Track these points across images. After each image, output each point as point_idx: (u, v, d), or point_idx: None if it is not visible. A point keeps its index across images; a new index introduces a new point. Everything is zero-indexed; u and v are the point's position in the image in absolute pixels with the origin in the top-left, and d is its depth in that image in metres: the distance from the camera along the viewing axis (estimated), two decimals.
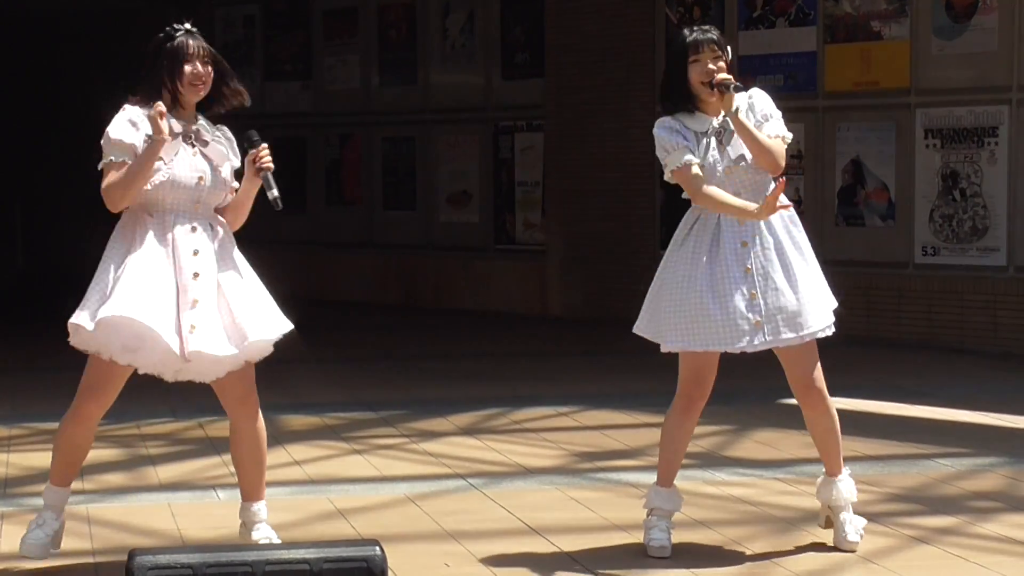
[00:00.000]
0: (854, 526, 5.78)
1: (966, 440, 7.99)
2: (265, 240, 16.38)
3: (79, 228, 15.38)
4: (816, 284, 5.72)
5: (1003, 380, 10.13)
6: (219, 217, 5.51)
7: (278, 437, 8.22)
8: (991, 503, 6.54)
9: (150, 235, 5.35)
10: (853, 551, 5.72)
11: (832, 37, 12.18)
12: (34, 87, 19.77)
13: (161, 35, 5.44)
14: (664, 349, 5.74)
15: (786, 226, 5.71)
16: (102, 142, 5.35)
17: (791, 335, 5.63)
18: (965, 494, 6.73)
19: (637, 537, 5.91)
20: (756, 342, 5.63)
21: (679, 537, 5.88)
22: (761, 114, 5.67)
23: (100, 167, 5.33)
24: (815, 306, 5.67)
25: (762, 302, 5.62)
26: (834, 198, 12.25)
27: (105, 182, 5.31)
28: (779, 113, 5.74)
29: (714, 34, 5.69)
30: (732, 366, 11.36)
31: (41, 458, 7.27)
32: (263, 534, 5.57)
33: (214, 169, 5.45)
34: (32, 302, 16.41)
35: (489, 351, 12.11)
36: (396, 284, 15.55)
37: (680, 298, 5.65)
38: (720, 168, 5.64)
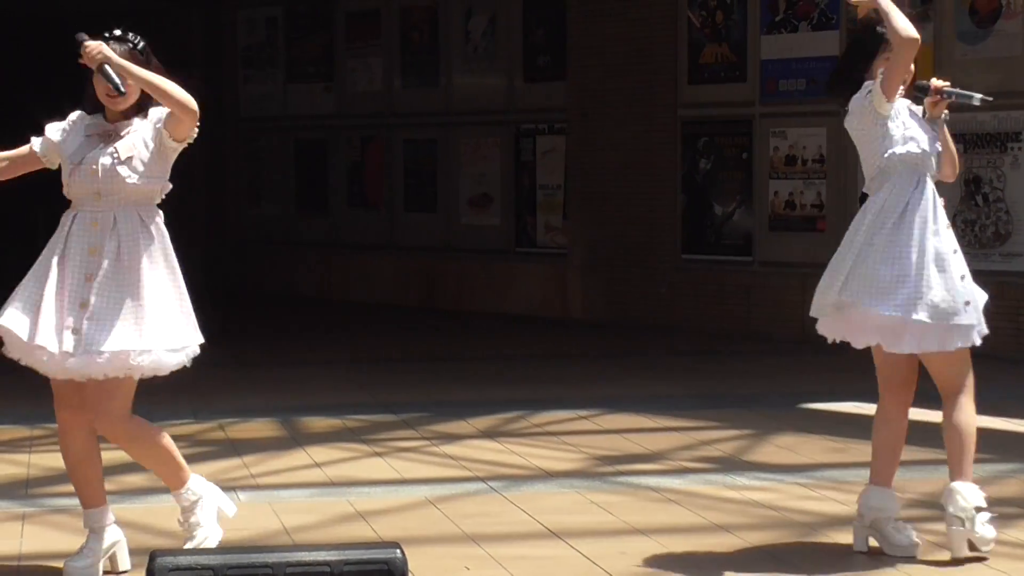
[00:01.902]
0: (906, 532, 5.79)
1: (988, 446, 7.93)
2: (286, 241, 16.60)
3: None
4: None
5: None
6: (140, 210, 5.43)
7: (298, 439, 8.24)
8: (1013, 509, 6.52)
9: (58, 235, 5.57)
10: (916, 556, 5.70)
11: None
12: (57, 91, 19.81)
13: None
14: (859, 344, 5.62)
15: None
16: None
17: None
18: (987, 500, 6.70)
19: (657, 541, 5.90)
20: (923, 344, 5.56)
21: (698, 544, 5.87)
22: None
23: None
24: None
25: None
26: (856, 203, 12.20)
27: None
28: None
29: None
30: (752, 370, 11.33)
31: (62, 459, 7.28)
32: (113, 536, 5.52)
33: (118, 160, 5.40)
34: None
35: (510, 354, 12.11)
36: (417, 286, 15.56)
37: (903, 268, 5.56)
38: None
